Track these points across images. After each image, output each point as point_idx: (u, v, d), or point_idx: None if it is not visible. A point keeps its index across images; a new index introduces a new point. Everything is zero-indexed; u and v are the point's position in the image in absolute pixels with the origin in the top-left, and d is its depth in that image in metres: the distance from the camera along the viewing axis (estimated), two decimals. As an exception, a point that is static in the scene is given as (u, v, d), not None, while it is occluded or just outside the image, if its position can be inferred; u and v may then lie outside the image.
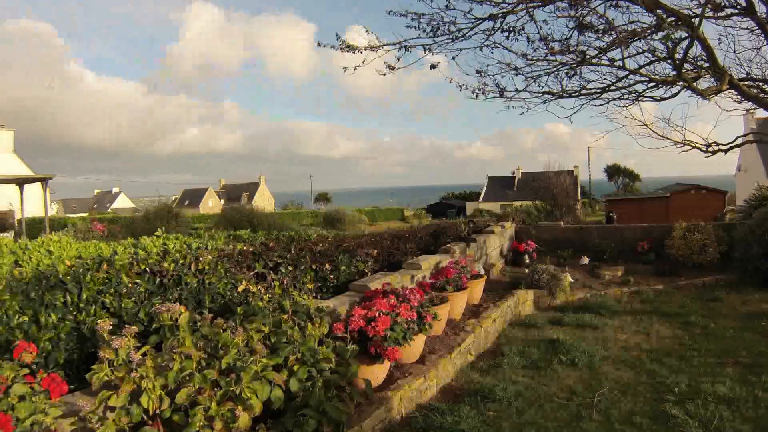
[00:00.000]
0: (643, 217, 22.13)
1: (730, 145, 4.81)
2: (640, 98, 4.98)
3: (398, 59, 4.49)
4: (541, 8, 4.22)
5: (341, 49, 4.45)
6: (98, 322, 2.90)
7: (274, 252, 5.50)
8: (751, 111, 25.93)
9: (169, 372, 2.76)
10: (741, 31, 4.69)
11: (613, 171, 66.30)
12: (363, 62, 4.46)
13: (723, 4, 4.21)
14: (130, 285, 3.98)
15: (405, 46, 4.40)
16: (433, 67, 4.53)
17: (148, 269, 4.21)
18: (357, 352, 3.90)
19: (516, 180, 57.74)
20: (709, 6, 4.00)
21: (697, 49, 4.58)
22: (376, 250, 7.22)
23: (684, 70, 4.35)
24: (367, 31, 4.39)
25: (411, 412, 4.10)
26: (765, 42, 4.59)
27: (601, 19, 4.15)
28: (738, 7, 4.24)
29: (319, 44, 4.62)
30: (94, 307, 3.74)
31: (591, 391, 4.52)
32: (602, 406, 4.23)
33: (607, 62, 4.56)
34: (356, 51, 4.41)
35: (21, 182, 20.60)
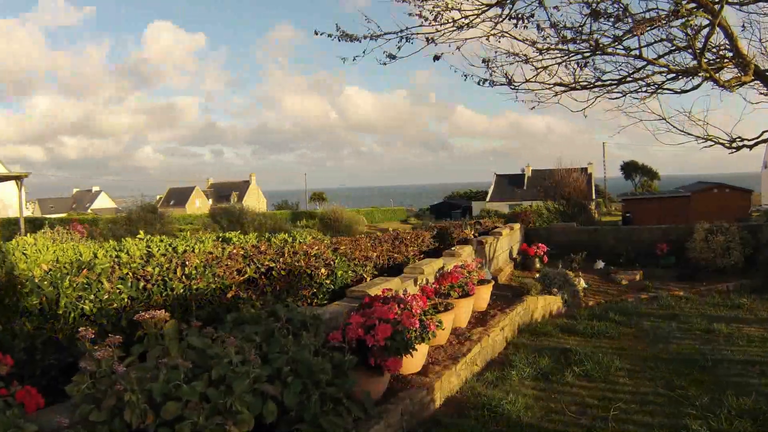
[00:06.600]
0: (662, 218, 22.13)
1: (755, 141, 4.80)
2: (658, 90, 4.98)
3: (399, 48, 4.49)
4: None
5: (339, 37, 4.45)
6: (80, 330, 2.90)
7: (267, 256, 5.51)
8: (778, 104, 25.87)
9: (155, 384, 2.76)
10: (766, 18, 4.69)
11: (630, 168, 66.25)
12: (363, 53, 4.48)
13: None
14: (111, 291, 3.99)
15: (406, 36, 4.40)
16: (436, 58, 4.53)
17: (130, 274, 4.22)
18: (355, 363, 3.90)
19: (525, 178, 57.71)
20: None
21: (719, 38, 4.58)
22: (375, 254, 7.23)
23: (705, 60, 4.36)
24: (367, 20, 4.40)
25: (413, 427, 4.11)
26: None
27: (615, 5, 4.16)
28: (763, -8, 4.24)
29: (316, 33, 4.62)
30: (72, 314, 3.75)
31: (606, 405, 4.53)
32: (618, 421, 4.24)
33: (622, 51, 4.56)
34: (355, 40, 4.41)
35: (-6, 181, 20.61)
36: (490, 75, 4.74)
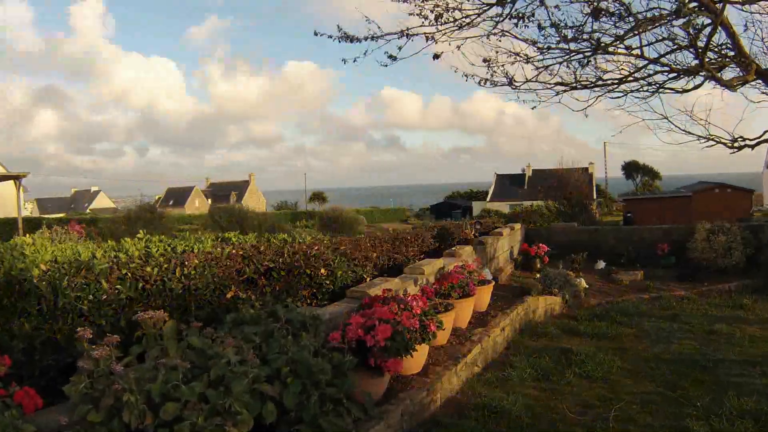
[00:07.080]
0: (663, 218, 22.12)
1: (757, 140, 4.79)
2: (660, 90, 4.98)
3: (400, 48, 4.49)
4: (553, -8, 4.22)
5: (339, 38, 4.45)
6: (78, 330, 2.90)
7: (266, 256, 5.51)
8: (780, 103, 25.82)
9: (154, 385, 2.76)
10: (768, 17, 4.69)
11: (631, 168, 66.22)
12: (364, 54, 4.48)
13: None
14: (110, 291, 3.99)
15: (407, 35, 4.40)
16: (436, 57, 4.53)
17: (129, 274, 4.22)
18: (355, 364, 3.90)
19: (526, 177, 57.80)
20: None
21: (721, 37, 4.58)
22: (375, 254, 7.23)
23: (707, 60, 4.35)
24: (368, 20, 4.40)
25: (413, 428, 4.11)
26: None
27: (617, 4, 4.15)
28: (765, -9, 4.24)
29: (316, 33, 4.62)
30: (71, 314, 3.75)
31: (607, 406, 4.53)
32: (619, 422, 4.24)
33: (624, 51, 4.55)
34: (356, 41, 4.41)
35: (-8, 180, 20.61)
36: (491, 75, 4.74)
